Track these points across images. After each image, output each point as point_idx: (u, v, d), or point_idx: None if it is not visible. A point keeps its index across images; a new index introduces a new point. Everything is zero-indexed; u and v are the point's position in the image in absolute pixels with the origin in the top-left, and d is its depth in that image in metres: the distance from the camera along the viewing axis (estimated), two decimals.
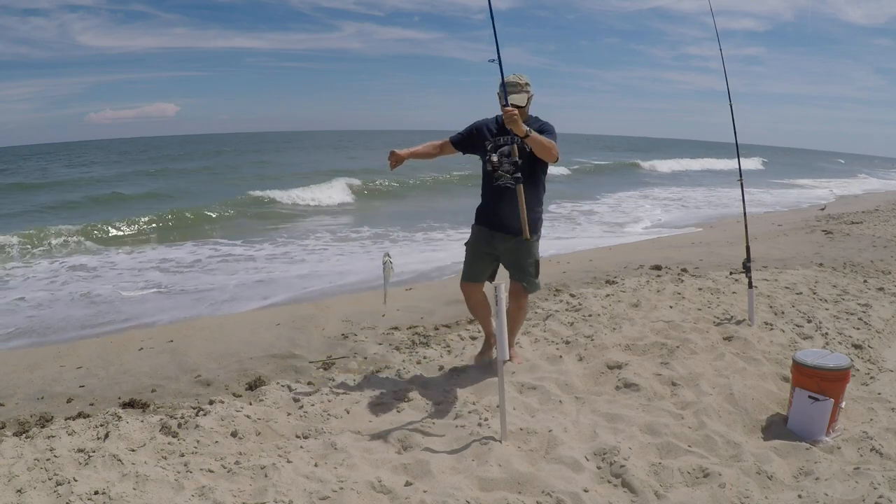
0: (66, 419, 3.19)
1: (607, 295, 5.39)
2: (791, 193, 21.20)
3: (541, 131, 3.28)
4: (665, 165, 31.66)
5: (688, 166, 32.68)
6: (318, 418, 3.17)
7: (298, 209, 14.90)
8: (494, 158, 3.47)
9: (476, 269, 3.73)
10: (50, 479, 2.45)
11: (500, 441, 2.80)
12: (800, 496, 2.40)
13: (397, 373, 3.83)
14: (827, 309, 5.03)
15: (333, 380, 3.77)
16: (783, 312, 4.86)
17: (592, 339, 4.19)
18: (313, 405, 3.29)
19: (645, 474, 2.55)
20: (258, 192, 15.84)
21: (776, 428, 3.02)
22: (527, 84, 3.41)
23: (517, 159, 3.35)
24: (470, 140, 3.61)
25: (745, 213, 4.93)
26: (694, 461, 2.65)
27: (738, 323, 4.51)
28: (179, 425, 2.98)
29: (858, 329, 4.54)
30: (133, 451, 2.74)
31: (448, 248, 9.22)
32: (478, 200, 3.72)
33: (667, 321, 4.50)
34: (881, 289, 5.74)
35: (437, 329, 4.76)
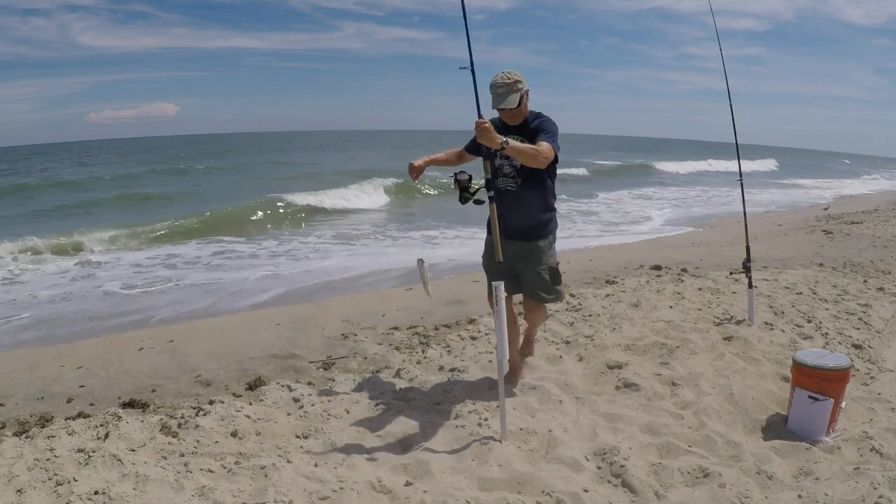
0: (66, 419, 3.19)
1: (607, 295, 5.39)
2: (798, 194, 21.12)
3: (539, 130, 3.11)
4: (665, 166, 31.61)
5: (692, 168, 32.57)
6: (318, 418, 3.17)
7: (337, 212, 14.07)
8: (497, 161, 3.28)
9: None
10: (50, 479, 2.45)
11: (500, 441, 2.80)
12: (800, 496, 2.39)
13: (397, 373, 3.83)
14: (827, 309, 5.03)
15: (333, 380, 3.77)
16: (783, 312, 4.86)
17: (592, 339, 4.19)
18: (313, 405, 3.30)
19: (645, 474, 2.55)
20: (291, 196, 14.35)
21: (776, 428, 3.02)
22: (517, 81, 3.09)
23: (517, 161, 3.17)
24: (476, 144, 3.34)
25: (745, 213, 4.93)
26: (694, 461, 2.65)
27: (738, 323, 4.51)
28: (179, 425, 2.98)
29: (858, 329, 4.53)
30: (133, 451, 2.74)
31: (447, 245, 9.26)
32: None
33: (667, 321, 4.50)
34: (881, 289, 5.74)
35: (437, 329, 4.76)
